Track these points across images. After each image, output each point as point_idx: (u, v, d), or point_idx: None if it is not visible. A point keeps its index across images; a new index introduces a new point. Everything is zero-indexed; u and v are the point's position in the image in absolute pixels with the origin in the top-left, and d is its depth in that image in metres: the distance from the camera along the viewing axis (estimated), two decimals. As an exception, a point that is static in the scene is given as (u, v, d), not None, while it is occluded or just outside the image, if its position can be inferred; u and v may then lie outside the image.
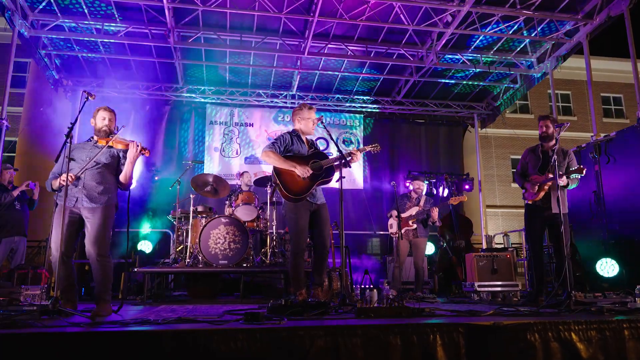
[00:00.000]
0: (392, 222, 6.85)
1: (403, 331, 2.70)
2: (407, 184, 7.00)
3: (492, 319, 2.99)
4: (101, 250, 3.80)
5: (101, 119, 4.02)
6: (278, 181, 4.23)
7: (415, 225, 6.57)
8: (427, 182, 9.36)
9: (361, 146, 10.43)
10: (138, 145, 3.88)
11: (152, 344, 2.51)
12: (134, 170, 4.03)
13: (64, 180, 3.63)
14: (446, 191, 8.94)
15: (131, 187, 4.08)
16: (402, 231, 6.64)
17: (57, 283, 3.50)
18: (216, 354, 2.51)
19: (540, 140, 5.13)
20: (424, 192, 6.89)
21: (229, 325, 2.78)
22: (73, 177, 3.75)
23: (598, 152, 6.91)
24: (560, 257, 4.75)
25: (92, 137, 4.09)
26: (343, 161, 4.27)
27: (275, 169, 4.28)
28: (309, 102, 10.11)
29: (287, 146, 4.34)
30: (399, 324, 2.75)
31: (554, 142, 5.02)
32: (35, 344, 2.44)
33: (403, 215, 6.64)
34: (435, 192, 9.25)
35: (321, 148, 9.99)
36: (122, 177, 4.00)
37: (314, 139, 4.81)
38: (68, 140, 3.60)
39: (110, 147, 3.97)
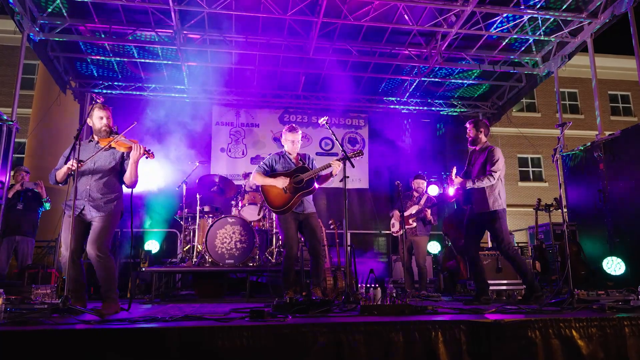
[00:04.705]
0: (394, 221, 6.90)
1: (405, 328, 2.75)
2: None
3: (494, 317, 3.03)
4: (100, 250, 3.83)
5: (98, 119, 3.97)
6: (264, 198, 4.84)
7: (415, 224, 6.61)
8: (432, 180, 9.38)
9: (365, 147, 10.47)
10: (141, 148, 3.85)
11: (159, 340, 2.58)
12: (140, 170, 4.05)
13: (72, 165, 3.64)
14: (451, 190, 8.92)
15: (136, 187, 4.08)
16: (404, 230, 6.69)
17: (67, 283, 3.58)
18: (222, 350, 2.57)
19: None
20: (425, 191, 6.92)
21: (234, 322, 2.84)
22: (82, 163, 3.72)
23: (603, 150, 6.91)
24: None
25: (93, 137, 4.05)
26: (324, 172, 4.79)
27: (261, 187, 4.87)
28: (314, 102, 10.17)
29: (274, 165, 4.91)
30: (401, 321, 2.80)
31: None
32: (46, 341, 2.51)
33: (405, 214, 6.69)
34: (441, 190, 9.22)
35: (327, 148, 10.20)
36: (126, 179, 3.98)
37: (307, 153, 5.25)
38: (77, 143, 3.66)
39: (112, 147, 3.94)
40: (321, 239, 4.94)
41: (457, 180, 5.13)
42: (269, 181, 4.78)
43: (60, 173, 3.84)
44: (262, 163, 4.95)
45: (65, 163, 3.78)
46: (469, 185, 5.01)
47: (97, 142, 3.98)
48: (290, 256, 4.72)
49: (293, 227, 4.75)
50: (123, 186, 4.08)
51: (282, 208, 4.72)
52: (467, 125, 5.34)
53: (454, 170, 5.22)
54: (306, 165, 4.95)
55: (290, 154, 4.97)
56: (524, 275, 4.92)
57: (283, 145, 5.04)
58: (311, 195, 4.89)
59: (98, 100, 3.92)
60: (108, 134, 3.97)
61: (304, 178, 4.76)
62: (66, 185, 4.06)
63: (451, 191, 5.50)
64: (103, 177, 3.94)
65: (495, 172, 4.95)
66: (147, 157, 3.91)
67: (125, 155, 4.02)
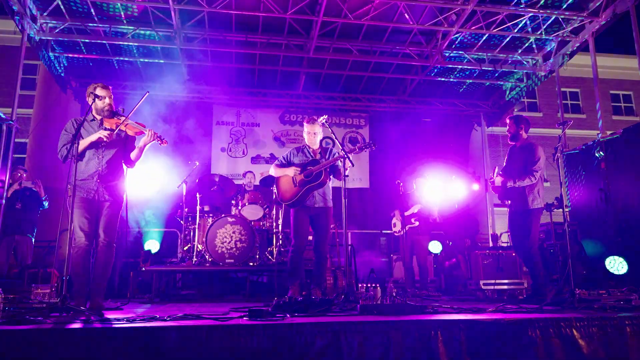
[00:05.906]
0: (395, 220, 6.90)
1: (404, 327, 2.74)
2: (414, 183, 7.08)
3: (494, 316, 3.01)
4: (111, 237, 3.85)
5: (100, 98, 3.86)
6: (275, 189, 4.89)
7: (417, 223, 6.60)
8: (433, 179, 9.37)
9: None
10: (153, 133, 3.82)
11: (158, 339, 2.56)
12: (141, 169, 4.03)
13: (105, 136, 3.66)
14: (453, 190, 8.91)
15: (135, 186, 4.06)
16: (405, 229, 6.69)
17: (76, 276, 3.56)
18: (220, 348, 2.56)
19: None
20: (424, 190, 6.91)
21: (232, 321, 2.83)
22: (112, 133, 3.73)
23: (604, 150, 6.88)
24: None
25: (95, 117, 3.93)
26: (338, 166, 4.70)
27: (275, 180, 4.93)
28: (315, 101, 10.15)
29: (292, 159, 4.92)
30: (401, 320, 2.79)
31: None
32: (43, 340, 2.50)
33: (406, 213, 6.69)
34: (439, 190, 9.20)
35: (327, 147, 10.16)
36: (132, 157, 3.97)
37: (328, 146, 5.25)
38: (76, 141, 3.63)
39: (121, 130, 3.89)
40: (326, 239, 4.85)
41: (498, 179, 5.15)
42: (280, 171, 4.84)
43: (83, 144, 3.70)
44: (281, 156, 5.02)
45: (73, 141, 3.62)
46: (510, 184, 5.03)
47: (101, 123, 3.90)
48: (298, 248, 4.71)
49: (303, 221, 4.73)
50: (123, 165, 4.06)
51: (291, 201, 4.74)
52: (508, 120, 5.32)
53: (496, 170, 5.25)
54: (324, 158, 4.86)
55: (309, 147, 4.92)
56: (535, 278, 4.92)
57: (284, 144, 5.05)
58: (325, 189, 4.79)
59: (97, 98, 3.85)
60: (111, 115, 3.91)
61: (313, 171, 4.72)
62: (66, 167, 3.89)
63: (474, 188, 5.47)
64: (112, 157, 3.91)
65: (537, 171, 4.94)
66: (160, 144, 3.87)
67: (129, 136, 3.99)
